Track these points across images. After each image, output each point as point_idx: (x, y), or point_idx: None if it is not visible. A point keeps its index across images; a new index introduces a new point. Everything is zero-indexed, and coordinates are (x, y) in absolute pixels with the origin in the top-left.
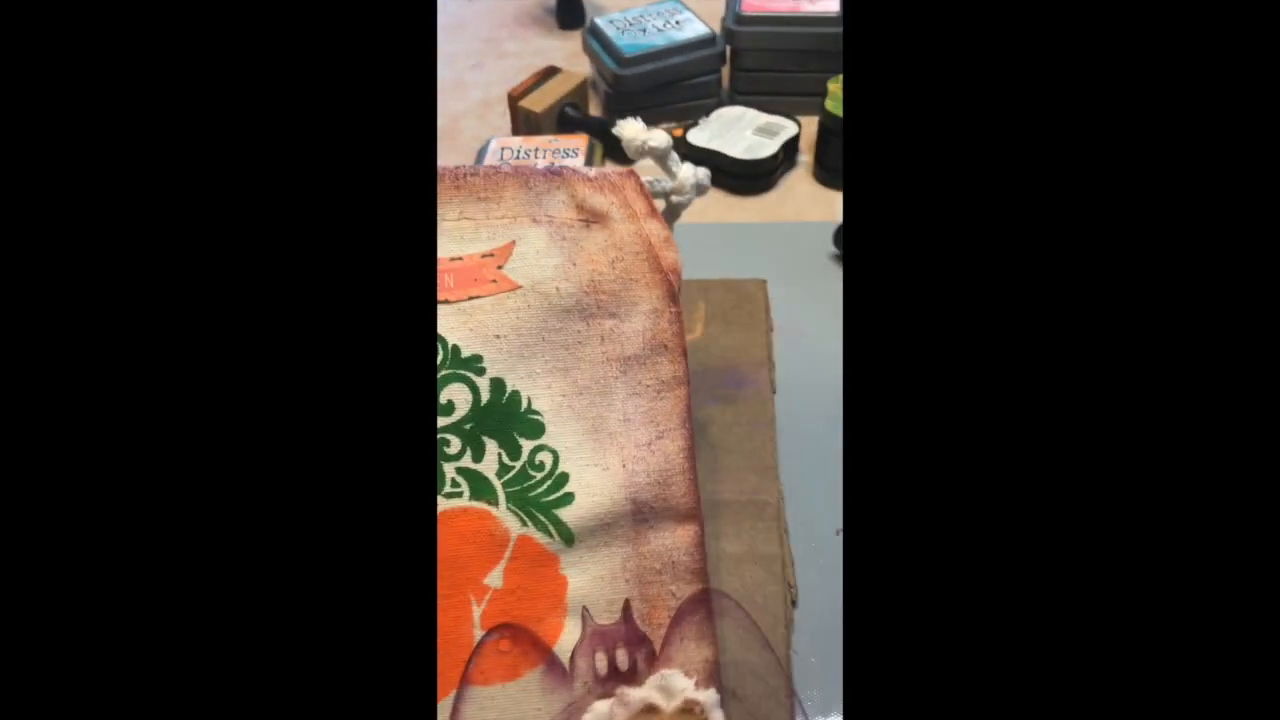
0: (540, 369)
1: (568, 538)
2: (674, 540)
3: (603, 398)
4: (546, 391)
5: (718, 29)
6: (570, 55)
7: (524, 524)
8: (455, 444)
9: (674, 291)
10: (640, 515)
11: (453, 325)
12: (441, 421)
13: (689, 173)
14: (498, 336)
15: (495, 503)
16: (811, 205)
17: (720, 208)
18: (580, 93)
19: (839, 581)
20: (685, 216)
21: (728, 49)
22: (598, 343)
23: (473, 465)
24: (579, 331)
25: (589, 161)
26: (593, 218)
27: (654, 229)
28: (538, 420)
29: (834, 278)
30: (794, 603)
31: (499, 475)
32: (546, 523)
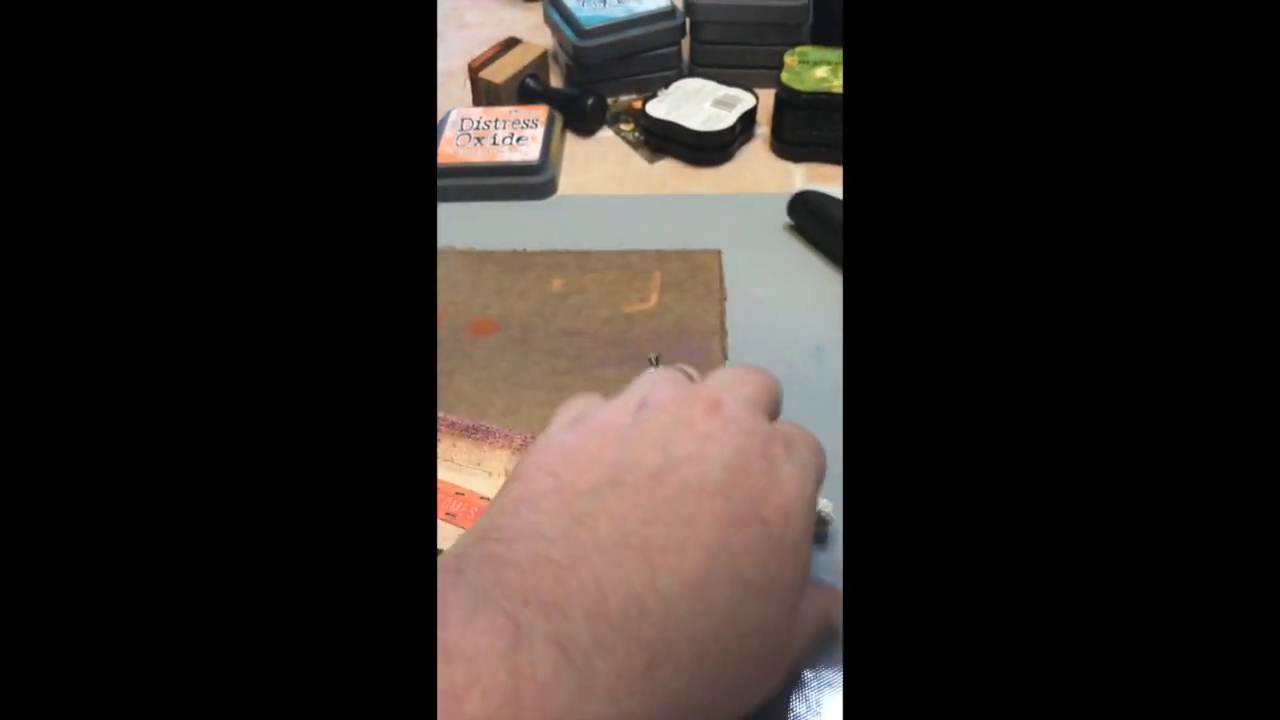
0: None
1: None
2: None
3: None
4: None
5: (677, 2)
6: (532, 27)
7: None
8: None
9: None
10: None
11: None
12: None
13: None
14: None
15: None
16: (768, 176)
17: (677, 178)
18: (541, 64)
19: None
20: (643, 187)
21: (687, 21)
22: None
23: None
24: None
25: (548, 133)
26: None
27: None
28: None
29: (788, 248)
30: None
31: None
32: None
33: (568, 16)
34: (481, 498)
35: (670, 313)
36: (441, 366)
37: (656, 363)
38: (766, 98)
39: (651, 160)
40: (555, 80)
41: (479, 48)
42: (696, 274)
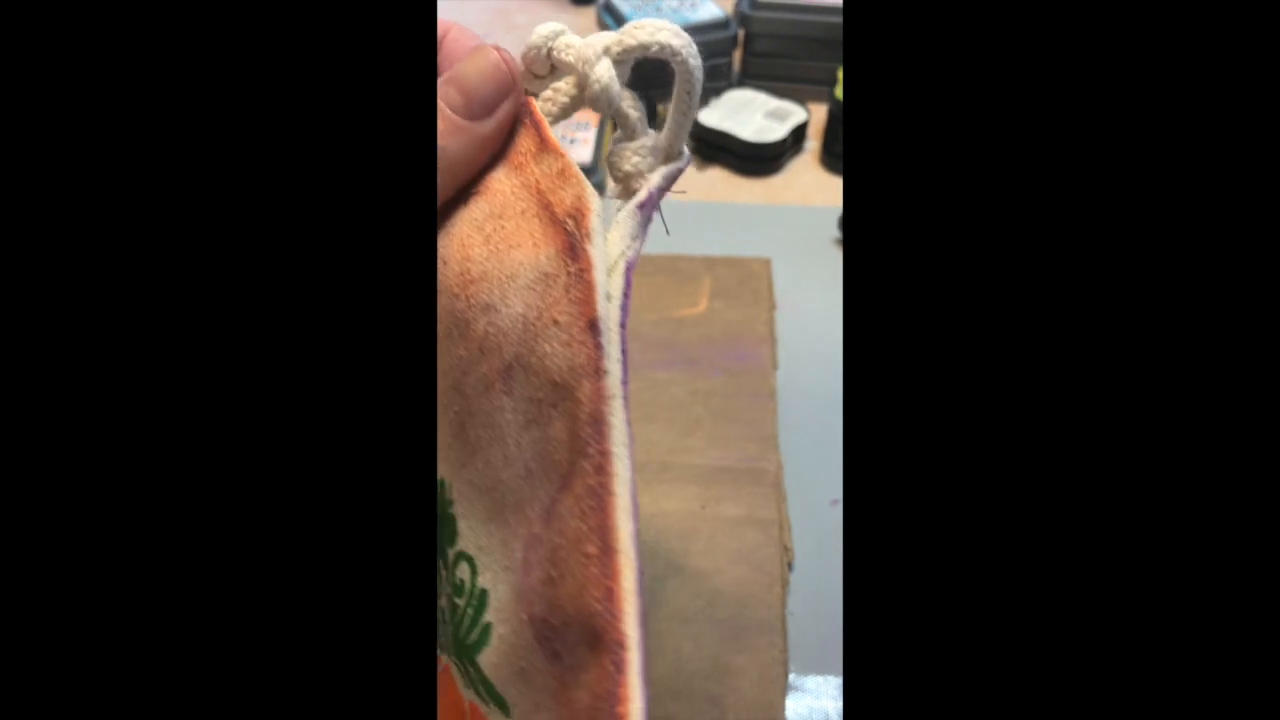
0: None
1: (500, 702)
2: (596, 684)
3: (498, 445)
4: (452, 464)
5: (731, 12)
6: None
7: (466, 685)
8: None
9: (572, 243)
10: (547, 644)
11: None
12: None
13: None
14: None
15: (448, 652)
16: (817, 190)
17: (726, 186)
18: None
19: (834, 548)
20: (693, 194)
21: (740, 33)
22: (479, 359)
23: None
24: (461, 358)
25: (599, 135)
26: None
27: (544, 168)
28: (451, 514)
29: (837, 261)
30: (790, 565)
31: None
32: (476, 681)
33: (621, 21)
34: None
35: (720, 318)
36: None
37: None
38: (818, 112)
39: (701, 168)
40: None
41: None
42: (746, 281)
